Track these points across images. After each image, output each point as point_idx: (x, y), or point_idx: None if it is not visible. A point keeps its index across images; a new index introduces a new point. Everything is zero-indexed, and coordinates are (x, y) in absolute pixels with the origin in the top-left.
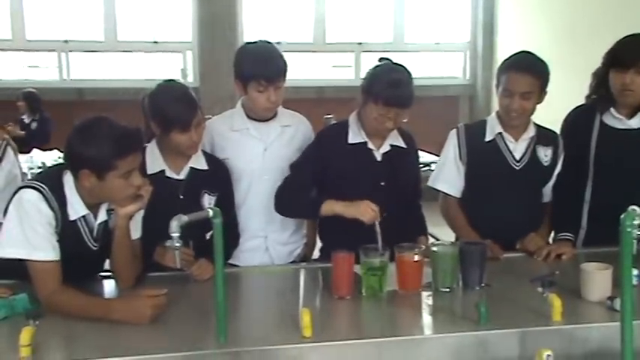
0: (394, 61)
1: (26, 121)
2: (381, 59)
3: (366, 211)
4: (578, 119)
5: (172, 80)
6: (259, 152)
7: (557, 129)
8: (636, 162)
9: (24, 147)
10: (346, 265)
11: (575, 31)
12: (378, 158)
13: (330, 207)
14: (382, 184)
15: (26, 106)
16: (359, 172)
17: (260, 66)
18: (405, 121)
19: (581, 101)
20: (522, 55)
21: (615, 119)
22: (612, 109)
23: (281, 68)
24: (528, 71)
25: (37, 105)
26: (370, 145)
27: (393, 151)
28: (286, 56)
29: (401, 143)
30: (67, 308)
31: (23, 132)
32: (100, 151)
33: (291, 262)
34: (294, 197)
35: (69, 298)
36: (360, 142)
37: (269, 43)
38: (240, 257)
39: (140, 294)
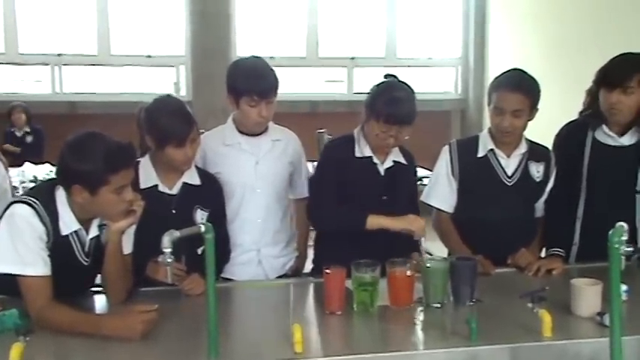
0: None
1: (18, 134)
2: (386, 75)
3: (414, 222)
4: (571, 135)
5: (169, 95)
6: (251, 166)
7: (547, 143)
8: (628, 179)
9: (18, 160)
10: (337, 280)
11: (564, 47)
12: (382, 173)
13: (377, 221)
14: (384, 198)
15: (25, 119)
16: (365, 186)
17: (252, 81)
18: (407, 137)
19: (570, 115)
20: (513, 73)
21: (607, 136)
22: (604, 126)
23: (273, 84)
24: (519, 89)
25: (29, 117)
26: (375, 160)
27: (395, 167)
28: (279, 70)
29: (402, 160)
30: (58, 324)
31: (19, 148)
32: (93, 166)
33: (284, 275)
34: (335, 211)
35: (59, 313)
36: (366, 157)
37: (260, 58)
38: (234, 271)
39: (131, 309)
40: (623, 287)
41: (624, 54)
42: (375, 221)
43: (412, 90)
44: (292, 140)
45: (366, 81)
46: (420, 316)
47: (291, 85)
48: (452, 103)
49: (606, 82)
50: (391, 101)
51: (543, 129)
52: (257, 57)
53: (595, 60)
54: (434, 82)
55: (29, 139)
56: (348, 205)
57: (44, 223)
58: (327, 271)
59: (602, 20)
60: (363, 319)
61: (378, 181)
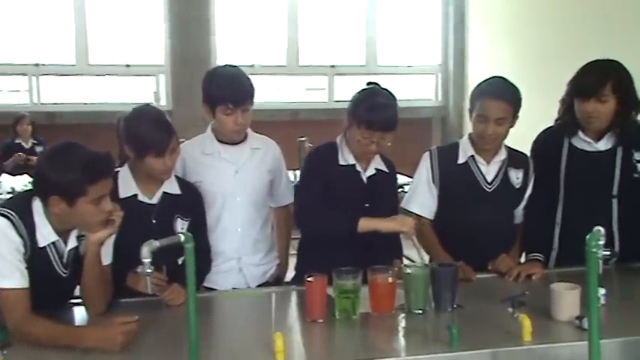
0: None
1: (25, 145)
2: (368, 83)
3: (404, 222)
4: (548, 141)
5: (148, 104)
6: (231, 174)
7: (524, 149)
8: (605, 183)
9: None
10: (319, 288)
11: (541, 55)
12: (364, 181)
13: (368, 223)
14: (366, 205)
15: (31, 131)
16: (348, 193)
17: (226, 90)
18: (389, 144)
19: (546, 122)
20: (496, 80)
21: (584, 142)
22: (580, 132)
23: (247, 92)
24: (503, 98)
25: (35, 128)
26: (358, 168)
27: (377, 174)
28: (260, 79)
29: (384, 168)
30: (37, 336)
31: (26, 156)
32: (70, 177)
33: (265, 283)
34: (324, 214)
35: (38, 326)
36: (349, 164)
37: (235, 67)
38: (215, 279)
39: (111, 321)
40: (601, 291)
41: (592, 62)
42: (366, 224)
43: (394, 97)
44: (272, 148)
45: (347, 89)
46: (401, 323)
47: (272, 93)
48: (432, 110)
49: (580, 93)
50: (373, 108)
51: (520, 135)
52: (232, 65)
53: (571, 67)
54: (414, 90)
55: (39, 149)
56: (336, 209)
57: (21, 235)
58: (309, 279)
59: (577, 29)
60: (345, 327)
61: (360, 189)
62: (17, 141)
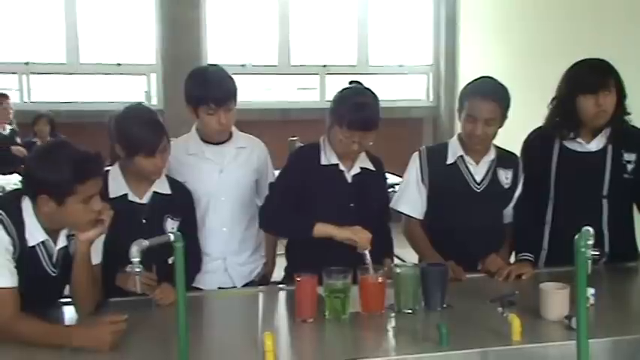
0: (363, 84)
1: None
2: (351, 82)
3: (360, 234)
4: (539, 141)
5: (140, 104)
6: (215, 175)
7: (513, 148)
8: (595, 184)
9: None
10: (309, 287)
11: (532, 54)
12: (349, 180)
13: (323, 229)
14: (352, 205)
15: (49, 130)
16: (331, 193)
17: (208, 90)
18: (370, 143)
19: (537, 121)
20: (485, 81)
21: (575, 142)
22: (572, 133)
23: (230, 91)
24: (492, 98)
25: (54, 127)
26: (341, 167)
27: (363, 173)
28: (251, 78)
29: (370, 166)
30: (25, 336)
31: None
32: (60, 176)
33: (251, 282)
34: (282, 216)
35: (27, 325)
36: (332, 164)
37: (217, 66)
38: (201, 279)
39: (100, 320)
40: (591, 291)
41: (586, 60)
42: (321, 229)
43: (376, 96)
44: (257, 147)
45: (338, 89)
46: (391, 323)
47: (263, 93)
48: (423, 111)
49: (587, 88)
50: (354, 107)
51: (510, 135)
52: (214, 65)
53: (559, 68)
54: (405, 90)
55: None
56: (301, 212)
57: (10, 234)
58: (298, 278)
59: (569, 28)
60: (335, 326)
61: (344, 189)
62: (33, 140)
